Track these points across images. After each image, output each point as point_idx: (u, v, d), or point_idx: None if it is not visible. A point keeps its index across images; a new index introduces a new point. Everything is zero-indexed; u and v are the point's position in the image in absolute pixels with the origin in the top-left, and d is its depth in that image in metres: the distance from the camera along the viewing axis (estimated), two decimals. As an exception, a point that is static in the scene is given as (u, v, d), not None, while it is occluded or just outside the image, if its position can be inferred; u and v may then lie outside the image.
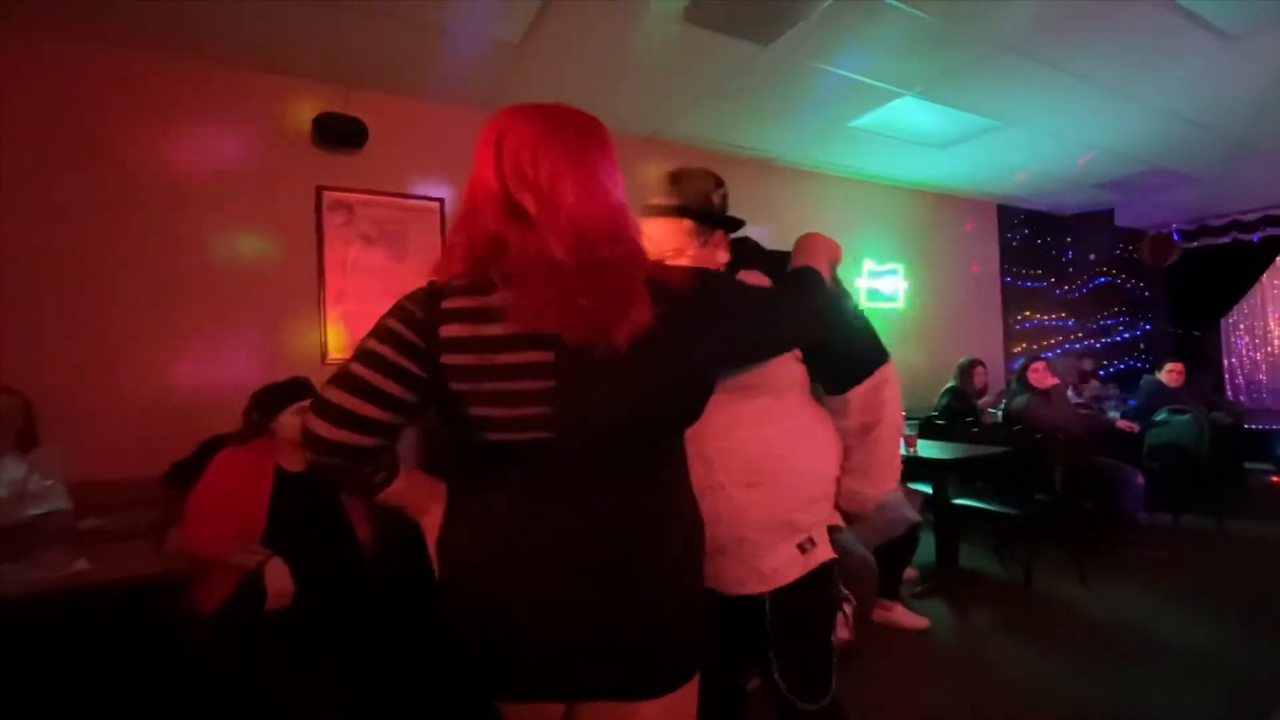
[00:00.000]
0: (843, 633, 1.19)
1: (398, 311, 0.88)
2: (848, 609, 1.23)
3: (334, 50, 2.81)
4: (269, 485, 1.87)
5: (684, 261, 1.20)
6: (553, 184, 0.84)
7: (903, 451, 3.21)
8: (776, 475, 1.14)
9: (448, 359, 0.84)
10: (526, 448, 0.85)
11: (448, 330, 0.84)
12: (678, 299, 0.84)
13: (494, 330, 0.83)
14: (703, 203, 1.24)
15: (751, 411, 1.14)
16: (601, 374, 0.82)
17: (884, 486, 1.24)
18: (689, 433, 1.05)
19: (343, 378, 0.86)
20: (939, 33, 2.82)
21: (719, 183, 1.28)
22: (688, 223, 1.23)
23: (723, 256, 1.26)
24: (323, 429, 0.84)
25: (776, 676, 1.15)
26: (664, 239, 1.22)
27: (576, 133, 0.89)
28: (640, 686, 0.89)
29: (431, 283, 0.89)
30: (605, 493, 0.87)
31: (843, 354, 1.19)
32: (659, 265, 0.90)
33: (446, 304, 0.85)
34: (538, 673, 0.88)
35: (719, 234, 1.26)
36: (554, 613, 0.85)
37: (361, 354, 0.87)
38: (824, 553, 1.18)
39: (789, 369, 1.18)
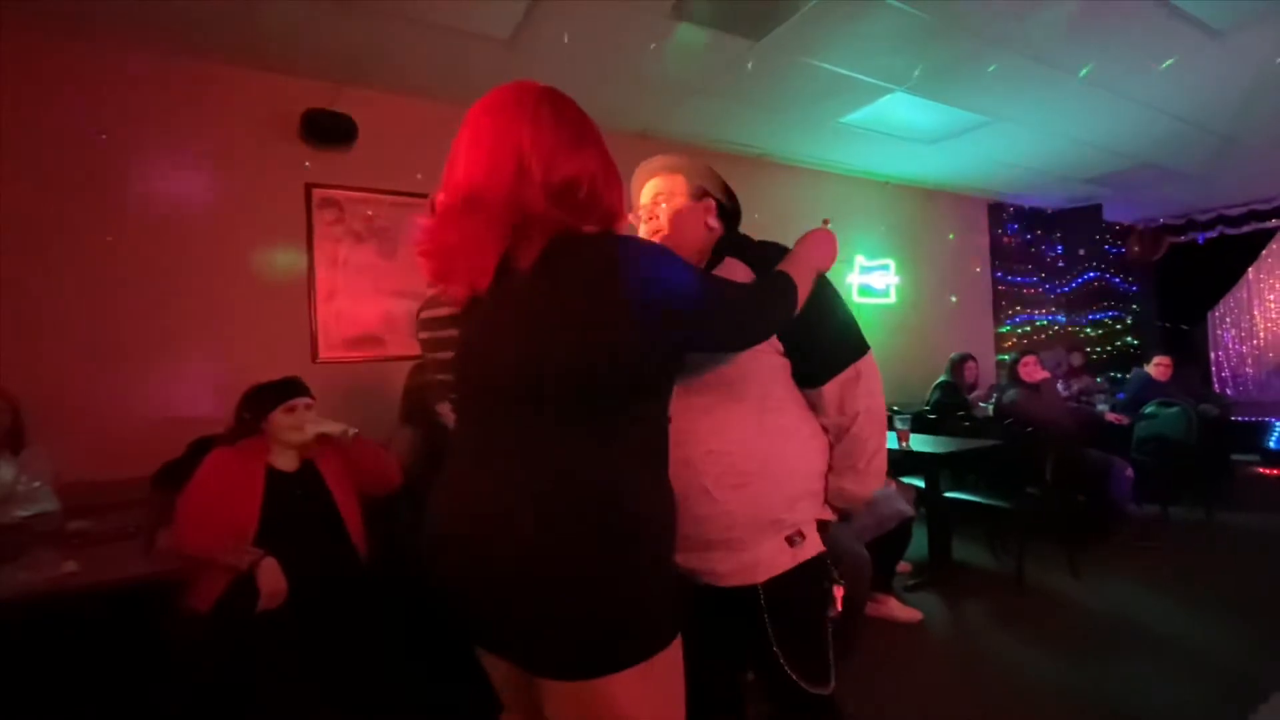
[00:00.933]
0: (832, 611, 1.21)
1: None
2: (838, 592, 1.21)
3: (322, 46, 2.79)
4: (260, 485, 1.86)
5: (669, 208, 1.28)
6: (452, 154, 0.93)
7: (895, 446, 3.24)
8: (761, 476, 1.14)
9: (420, 336, 1.11)
10: (456, 409, 0.98)
11: (421, 315, 1.12)
12: (558, 262, 0.86)
13: (441, 312, 1.02)
14: (700, 165, 1.31)
15: (736, 414, 1.14)
16: (481, 336, 0.90)
17: (868, 484, 1.22)
18: (672, 437, 1.01)
19: None
20: (929, 28, 2.83)
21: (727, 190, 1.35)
22: (680, 177, 1.30)
23: (713, 222, 1.31)
24: None
25: (787, 668, 1.15)
26: (666, 190, 1.30)
27: (493, 102, 0.93)
28: (547, 664, 0.85)
29: None
30: (501, 457, 0.88)
31: (811, 349, 1.17)
32: (560, 229, 0.88)
33: (428, 301, 1.13)
34: (465, 622, 0.93)
35: (711, 201, 1.31)
36: (459, 571, 0.88)
37: None
38: (813, 546, 1.18)
39: (770, 361, 1.16)
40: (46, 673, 1.66)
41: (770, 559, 1.15)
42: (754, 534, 1.14)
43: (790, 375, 1.19)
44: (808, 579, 1.17)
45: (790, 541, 1.16)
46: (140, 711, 1.69)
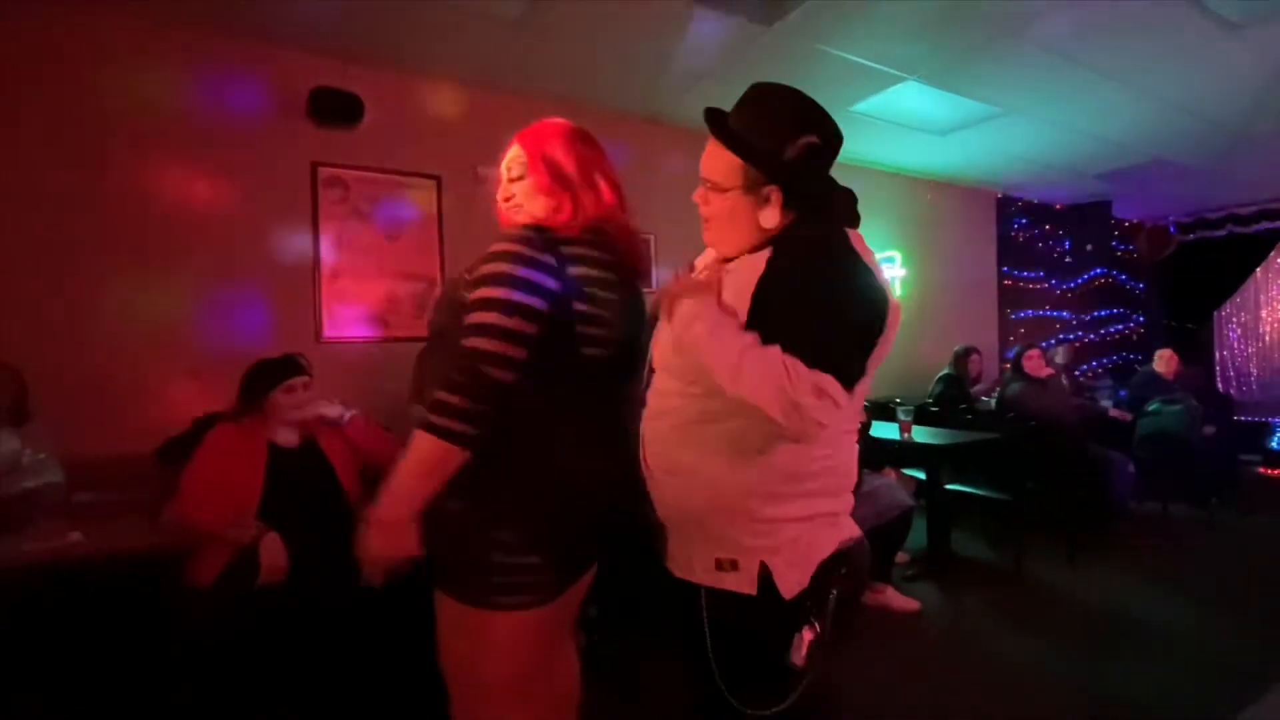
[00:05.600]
0: (794, 658, 1.00)
1: None
2: (807, 635, 1.01)
3: (330, 23, 2.76)
4: (262, 460, 1.87)
5: (714, 202, 1.03)
6: None
7: (896, 436, 3.24)
8: (689, 471, 1.02)
9: None
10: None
11: None
12: None
13: None
14: (762, 140, 0.97)
15: (681, 400, 1.03)
16: None
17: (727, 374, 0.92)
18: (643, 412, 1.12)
19: None
20: (944, 16, 2.79)
21: (808, 127, 0.98)
22: (733, 159, 0.98)
23: (769, 221, 0.99)
24: None
25: (717, 675, 1.03)
26: (710, 168, 1.02)
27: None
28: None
29: None
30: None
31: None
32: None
33: None
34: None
35: (774, 190, 0.98)
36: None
37: None
38: (744, 583, 1.00)
39: None
40: (48, 640, 1.68)
41: (689, 564, 1.06)
42: (677, 527, 1.08)
43: None
44: (758, 614, 1.00)
45: (718, 565, 1.01)
46: (141, 680, 1.70)
